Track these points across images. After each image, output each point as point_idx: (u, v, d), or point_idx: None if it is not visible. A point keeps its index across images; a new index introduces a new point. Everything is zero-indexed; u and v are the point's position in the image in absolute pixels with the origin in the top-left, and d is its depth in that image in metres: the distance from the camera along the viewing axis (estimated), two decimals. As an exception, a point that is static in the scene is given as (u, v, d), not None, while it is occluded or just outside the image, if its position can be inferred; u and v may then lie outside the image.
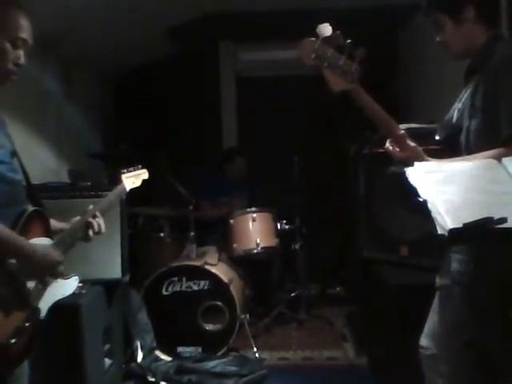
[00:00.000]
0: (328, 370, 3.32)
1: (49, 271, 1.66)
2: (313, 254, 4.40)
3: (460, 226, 1.37)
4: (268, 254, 4.01)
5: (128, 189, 2.23)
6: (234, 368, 3.14)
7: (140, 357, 3.18)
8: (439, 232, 1.40)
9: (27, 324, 1.61)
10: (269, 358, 3.49)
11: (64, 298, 1.78)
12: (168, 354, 3.41)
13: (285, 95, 5.08)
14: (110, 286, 2.85)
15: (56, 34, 3.34)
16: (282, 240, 4.01)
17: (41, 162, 3.47)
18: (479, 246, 1.63)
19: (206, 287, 3.50)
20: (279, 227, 4.06)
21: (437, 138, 1.89)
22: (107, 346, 2.81)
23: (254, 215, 3.94)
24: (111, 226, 2.66)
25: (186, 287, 3.50)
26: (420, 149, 1.73)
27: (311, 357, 3.52)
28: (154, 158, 3.91)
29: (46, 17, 2.61)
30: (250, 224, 3.92)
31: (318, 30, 1.56)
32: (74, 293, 1.85)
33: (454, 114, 1.82)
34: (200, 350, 3.42)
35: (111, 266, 2.85)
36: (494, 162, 1.54)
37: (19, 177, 1.72)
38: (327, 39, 1.57)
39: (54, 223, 1.84)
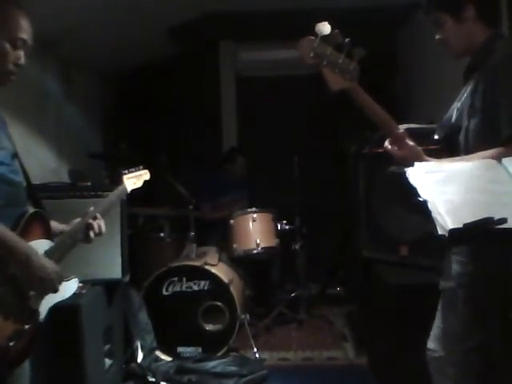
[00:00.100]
0: (328, 370, 3.32)
1: (43, 285, 1.64)
2: (313, 254, 4.40)
3: (460, 226, 1.37)
4: (268, 254, 4.01)
5: (129, 190, 2.22)
6: (234, 368, 3.14)
7: (140, 357, 3.18)
8: (439, 232, 1.40)
9: (27, 326, 1.61)
10: (269, 358, 3.49)
11: (64, 300, 1.77)
12: (168, 354, 3.41)
13: (285, 95, 5.08)
14: (110, 286, 2.85)
15: (56, 33, 3.34)
16: (282, 240, 4.01)
17: (41, 162, 3.47)
18: (479, 246, 1.63)
19: (206, 287, 3.49)
20: (279, 227, 4.06)
21: (436, 137, 1.89)
22: (107, 346, 2.81)
23: (254, 215, 3.94)
24: (111, 226, 2.66)
25: (186, 287, 3.50)
26: (419, 148, 1.72)
27: (311, 357, 3.51)
28: (154, 157, 3.90)
29: (45, 17, 2.61)
30: (250, 224, 3.92)
31: (316, 29, 1.55)
32: (74, 293, 1.85)
33: (453, 113, 1.82)
34: (200, 350, 3.42)
35: (111, 266, 2.85)
36: (494, 162, 1.54)
37: (20, 178, 1.72)
38: (326, 37, 1.56)
39: (55, 225, 1.84)
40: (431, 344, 1.81)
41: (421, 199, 1.46)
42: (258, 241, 3.83)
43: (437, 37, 1.82)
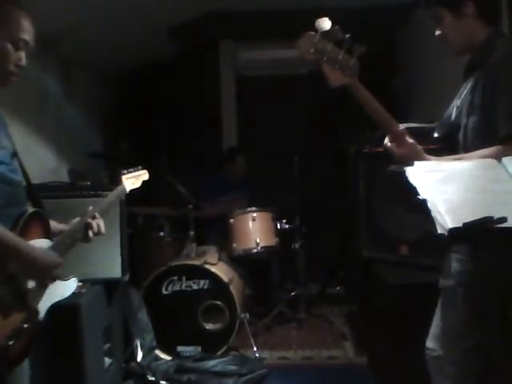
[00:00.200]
0: (328, 369, 3.32)
1: (47, 274, 1.66)
2: (312, 253, 4.41)
3: (460, 225, 1.37)
4: (268, 253, 4.02)
5: (128, 190, 2.23)
6: (233, 367, 3.15)
7: (140, 356, 3.18)
8: (439, 231, 1.41)
9: (26, 325, 1.60)
10: (269, 357, 3.49)
11: (63, 299, 1.77)
12: (168, 354, 3.41)
13: (285, 95, 5.08)
14: (109, 285, 2.85)
15: (56, 33, 3.34)
16: (281, 239, 4.02)
17: (41, 162, 3.47)
18: (479, 245, 1.63)
19: (205, 286, 3.50)
20: (279, 227, 4.06)
21: (435, 135, 1.88)
22: (107, 346, 2.81)
23: (254, 215, 3.94)
24: (111, 226, 2.66)
25: (186, 286, 3.50)
26: (419, 146, 1.72)
27: (311, 356, 3.52)
28: (154, 157, 3.91)
29: (46, 17, 2.61)
30: (250, 223, 3.92)
31: (317, 24, 1.55)
32: (73, 292, 1.85)
33: (453, 111, 1.82)
34: (200, 349, 3.42)
35: (111, 265, 2.85)
36: (494, 161, 1.55)
37: (19, 178, 1.72)
38: (326, 33, 1.56)
39: (55, 225, 1.84)
40: (430, 343, 1.81)
41: (420, 198, 1.46)
42: (258, 240, 3.84)
43: (436, 33, 1.81)
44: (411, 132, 1.75)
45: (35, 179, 1.94)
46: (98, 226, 1.88)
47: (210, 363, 3.18)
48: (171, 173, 3.98)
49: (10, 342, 1.55)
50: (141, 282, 3.49)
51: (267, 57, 5.29)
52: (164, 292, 3.49)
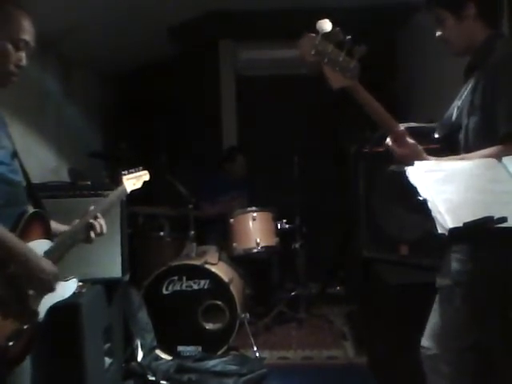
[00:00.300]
0: (328, 369, 3.32)
1: (41, 286, 1.64)
2: (313, 253, 4.41)
3: (460, 225, 1.37)
4: (268, 253, 4.02)
5: (129, 190, 2.23)
6: (234, 367, 3.15)
7: (140, 356, 3.19)
8: (439, 231, 1.41)
9: (26, 326, 1.61)
10: (269, 357, 3.49)
11: (63, 300, 1.77)
12: (168, 353, 3.41)
13: (285, 94, 5.08)
14: (110, 285, 2.85)
15: (56, 33, 3.34)
16: (282, 239, 4.02)
17: (41, 162, 3.47)
18: (479, 245, 1.63)
19: (206, 286, 3.50)
20: (279, 226, 4.06)
21: (436, 135, 1.88)
22: (107, 345, 2.82)
23: (254, 214, 3.94)
24: (111, 226, 2.64)
25: (186, 286, 3.50)
26: (420, 147, 1.72)
27: (311, 356, 3.52)
28: (154, 157, 3.91)
29: (46, 17, 2.61)
30: (250, 223, 3.92)
31: (317, 26, 1.55)
32: (73, 293, 1.85)
33: (454, 111, 1.82)
34: (200, 349, 3.42)
35: (111, 265, 2.85)
36: (494, 161, 1.55)
37: (19, 178, 1.72)
38: (327, 35, 1.56)
39: (57, 226, 1.84)
40: (425, 342, 1.82)
41: (421, 198, 1.46)
42: (258, 240, 3.84)
43: (437, 34, 1.82)
44: (411, 132, 1.75)
45: (35, 179, 1.94)
46: (101, 226, 1.89)
47: (211, 363, 3.18)
48: (171, 173, 3.98)
49: (10, 343, 1.55)
50: (141, 282, 3.49)
51: (267, 57, 5.29)
52: (164, 292, 3.49)
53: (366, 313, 3.37)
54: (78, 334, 2.43)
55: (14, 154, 1.72)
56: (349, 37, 1.57)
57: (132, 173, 2.26)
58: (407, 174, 1.53)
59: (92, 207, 1.92)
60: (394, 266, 2.86)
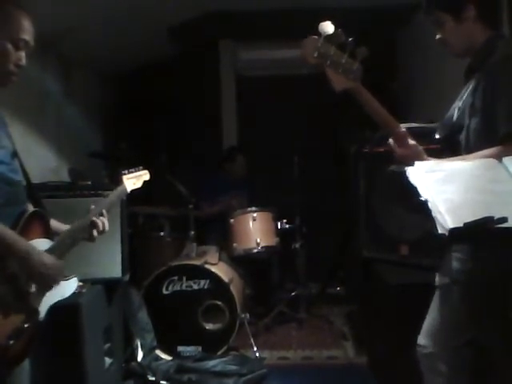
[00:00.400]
0: (328, 369, 3.32)
1: (45, 281, 1.65)
2: (313, 253, 4.41)
3: (460, 225, 1.37)
4: (268, 253, 4.02)
5: (129, 190, 2.22)
6: (234, 367, 3.15)
7: (140, 356, 3.18)
8: (439, 231, 1.41)
9: (26, 325, 1.61)
10: (269, 357, 3.49)
11: (63, 299, 1.77)
12: (168, 354, 3.41)
13: (285, 94, 5.08)
14: (110, 285, 2.85)
15: (56, 33, 3.34)
16: (282, 239, 4.01)
17: (41, 161, 3.47)
18: (479, 245, 1.63)
19: (206, 286, 3.50)
20: (279, 226, 4.06)
21: (437, 136, 1.89)
22: (107, 345, 2.81)
23: (255, 214, 3.94)
24: (111, 225, 2.62)
25: (186, 286, 3.50)
26: (420, 148, 1.73)
27: (311, 356, 3.52)
28: (154, 157, 3.91)
29: (46, 16, 2.61)
30: (251, 223, 3.92)
31: (320, 28, 1.55)
32: (74, 292, 1.85)
33: (455, 112, 1.82)
34: (200, 349, 3.42)
35: (111, 265, 2.85)
36: (494, 161, 1.55)
37: (19, 177, 1.72)
38: (330, 37, 1.56)
39: (57, 225, 1.84)
40: (422, 340, 1.82)
41: (421, 198, 1.46)
42: (258, 240, 3.83)
43: (437, 37, 1.82)
44: (412, 132, 1.76)
45: (35, 179, 1.94)
46: (103, 224, 1.89)
47: (211, 363, 3.18)
48: (171, 173, 3.98)
49: (11, 342, 1.55)
50: (141, 282, 3.49)
51: (267, 57, 5.29)
52: (164, 292, 3.49)
53: (366, 313, 3.37)
54: (78, 334, 2.42)
55: (14, 154, 1.72)
56: (351, 38, 1.57)
57: (132, 172, 2.26)
58: (407, 174, 1.53)
59: (93, 206, 1.92)
60: (394, 266, 2.86)
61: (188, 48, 5.04)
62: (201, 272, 3.51)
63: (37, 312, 1.66)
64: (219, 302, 3.48)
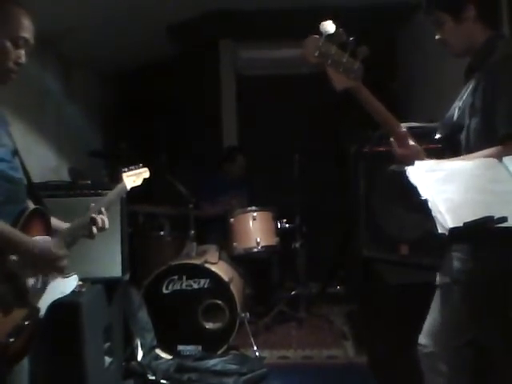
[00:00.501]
0: (328, 369, 3.32)
1: (51, 265, 1.66)
2: (313, 252, 4.41)
3: (460, 224, 1.37)
4: (268, 252, 4.02)
5: (129, 187, 2.22)
6: (234, 366, 3.15)
7: (140, 355, 3.19)
8: (439, 231, 1.41)
9: (26, 323, 1.61)
10: (269, 356, 3.49)
11: (63, 297, 1.77)
12: (168, 353, 3.41)
13: (285, 94, 5.08)
14: (110, 284, 2.86)
15: (56, 33, 3.34)
16: (282, 239, 4.02)
17: (41, 161, 3.47)
18: (480, 245, 1.63)
19: (206, 286, 3.50)
20: (279, 226, 4.06)
21: (437, 136, 1.89)
22: (107, 345, 2.82)
23: (255, 214, 3.94)
24: (111, 224, 2.62)
25: (187, 286, 3.50)
26: (420, 148, 1.73)
27: (311, 355, 3.52)
28: (154, 157, 3.91)
29: (46, 16, 2.61)
30: (251, 223, 3.92)
31: (321, 28, 1.55)
32: (74, 291, 1.85)
33: (455, 112, 1.82)
34: (200, 348, 3.42)
35: (111, 264, 2.85)
36: (495, 161, 1.54)
37: (20, 175, 1.72)
38: (331, 36, 1.56)
39: (58, 223, 1.85)
40: (423, 339, 1.82)
41: (421, 198, 1.46)
42: (258, 239, 3.84)
43: (437, 37, 1.82)
44: (412, 132, 1.76)
45: (35, 178, 1.94)
46: (103, 221, 1.89)
47: (211, 362, 3.18)
48: (171, 173, 3.98)
49: (11, 340, 1.55)
50: (141, 281, 3.49)
51: (268, 56, 5.29)
52: (164, 291, 3.49)
53: (366, 312, 3.37)
54: (78, 333, 2.43)
55: (15, 152, 1.72)
56: (352, 38, 1.57)
57: (132, 170, 2.26)
58: (407, 173, 1.53)
59: (93, 204, 1.92)
60: (394, 266, 2.86)
61: (188, 48, 5.04)
62: (201, 271, 3.51)
63: (37, 309, 1.66)
64: (219, 302, 3.48)
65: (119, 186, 2.17)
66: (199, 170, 4.81)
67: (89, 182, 3.02)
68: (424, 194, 1.46)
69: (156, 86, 5.03)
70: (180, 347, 3.43)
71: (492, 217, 1.36)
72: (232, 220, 3.91)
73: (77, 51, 3.88)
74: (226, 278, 3.50)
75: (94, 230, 1.86)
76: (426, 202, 1.45)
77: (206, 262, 3.57)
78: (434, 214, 1.43)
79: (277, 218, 4.05)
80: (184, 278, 3.50)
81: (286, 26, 4.30)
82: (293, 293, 4.24)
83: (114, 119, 5.07)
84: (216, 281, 3.49)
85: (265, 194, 4.46)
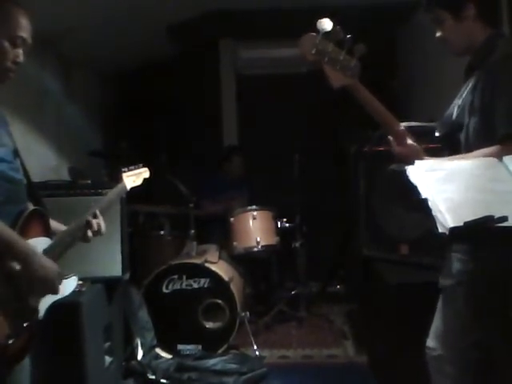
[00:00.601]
0: (328, 368, 3.32)
1: (43, 286, 1.63)
2: (313, 252, 4.41)
3: (461, 224, 1.37)
4: (268, 252, 4.03)
5: (128, 187, 2.22)
6: (234, 366, 3.15)
7: (140, 354, 3.19)
8: (440, 230, 1.41)
9: (25, 324, 1.60)
10: (269, 355, 3.49)
11: (63, 298, 1.77)
12: (168, 352, 3.41)
13: (285, 94, 5.08)
14: (110, 283, 2.86)
15: (56, 33, 3.34)
16: (282, 238, 4.02)
17: (41, 160, 3.47)
18: (480, 244, 1.63)
19: (206, 285, 3.50)
20: (279, 225, 4.06)
21: (436, 134, 1.88)
22: (107, 344, 2.82)
23: (255, 213, 3.95)
24: (111, 224, 2.66)
25: (187, 285, 3.50)
26: (419, 147, 1.73)
27: (311, 355, 3.52)
28: (154, 157, 3.91)
29: (45, 15, 2.61)
30: (251, 222, 3.93)
31: (318, 25, 1.55)
32: (74, 291, 1.85)
33: (454, 110, 1.82)
34: (200, 347, 3.42)
35: (111, 263, 2.85)
36: (495, 160, 1.54)
37: (20, 176, 1.72)
38: (327, 34, 1.56)
39: (56, 225, 1.84)
40: (430, 342, 1.81)
41: (421, 197, 1.46)
42: (259, 239, 3.84)
43: (437, 35, 1.82)
44: (412, 131, 1.75)
45: (35, 177, 1.94)
46: (98, 225, 1.87)
47: (211, 362, 3.18)
48: (171, 173, 3.98)
49: (10, 341, 1.55)
50: (141, 281, 3.49)
51: (267, 56, 5.28)
52: (164, 290, 3.49)
53: (366, 312, 3.37)
54: (78, 333, 2.43)
55: (15, 153, 1.72)
56: (349, 35, 1.57)
57: (132, 170, 2.26)
58: (407, 173, 1.53)
59: (92, 205, 1.92)
60: (394, 266, 2.86)
61: (188, 48, 5.04)
62: (201, 271, 3.51)
63: (36, 311, 1.66)
64: (219, 301, 3.49)
65: (119, 186, 2.17)
66: (199, 170, 4.81)
67: (89, 181, 3.02)
68: (424, 193, 1.46)
69: (156, 86, 5.03)
70: (180, 346, 3.43)
71: (492, 216, 1.36)
72: (232, 219, 3.91)
73: (77, 51, 3.88)
74: (226, 277, 3.50)
75: (89, 233, 1.84)
76: (426, 201, 1.45)
77: (206, 261, 3.57)
78: (434, 213, 1.43)
79: (277, 218, 4.05)
80: (184, 277, 3.50)
81: (286, 26, 4.29)
82: (293, 292, 4.25)
83: (114, 119, 5.07)
84: (216, 280, 3.49)
85: (265, 193, 4.45)
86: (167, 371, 3.09)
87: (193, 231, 3.83)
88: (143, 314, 3.33)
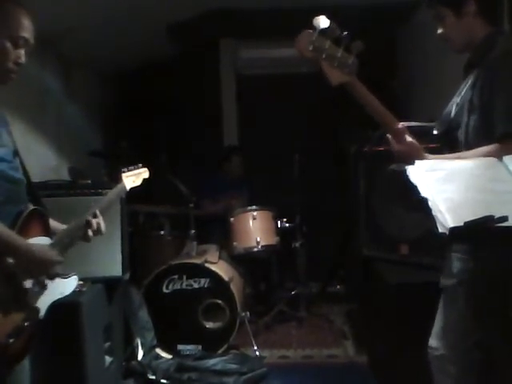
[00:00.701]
0: (328, 368, 3.32)
1: (45, 271, 1.65)
2: (313, 252, 4.41)
3: (461, 224, 1.37)
4: (268, 252, 4.03)
5: (128, 188, 2.22)
6: (234, 366, 3.15)
7: (140, 355, 3.19)
8: (440, 230, 1.41)
9: (26, 323, 1.61)
10: (269, 355, 3.49)
11: (64, 297, 1.77)
12: (168, 352, 3.41)
13: (285, 94, 5.08)
14: (110, 283, 2.86)
15: (56, 33, 3.34)
16: (282, 238, 4.02)
17: (41, 160, 3.47)
18: (480, 244, 1.63)
19: (206, 285, 3.50)
20: (279, 225, 4.06)
21: (434, 132, 1.88)
22: (108, 344, 2.82)
23: (255, 213, 3.95)
24: (111, 224, 2.67)
25: (187, 285, 3.50)
26: (419, 145, 1.72)
27: (311, 355, 3.52)
28: (154, 157, 3.91)
29: (46, 15, 2.61)
30: (251, 222, 3.93)
31: (314, 22, 1.54)
32: (74, 291, 1.85)
33: (453, 108, 1.82)
34: (200, 347, 3.42)
35: (112, 263, 2.85)
36: (495, 160, 1.54)
37: (20, 175, 1.72)
38: (324, 31, 1.55)
39: (56, 224, 1.84)
40: (433, 342, 1.81)
41: (421, 197, 1.46)
42: (259, 239, 3.84)
43: (438, 31, 1.82)
44: (412, 131, 1.75)
45: (35, 177, 1.94)
46: (98, 224, 1.87)
47: (211, 362, 3.18)
48: (171, 173, 3.98)
49: (11, 340, 1.55)
50: (141, 281, 3.49)
51: (268, 55, 5.28)
52: (164, 291, 3.49)
53: (366, 312, 3.37)
54: (78, 333, 2.43)
55: (16, 153, 1.72)
56: (346, 33, 1.56)
57: (131, 170, 2.26)
58: (408, 173, 1.52)
59: (93, 204, 1.92)
60: (394, 266, 2.86)
61: (188, 47, 5.04)
62: (201, 271, 3.51)
63: (36, 310, 1.66)
64: (219, 301, 3.49)
65: (119, 187, 2.17)
66: (199, 170, 4.81)
67: (89, 181, 3.03)
68: (424, 193, 1.46)
69: (156, 85, 5.03)
70: (180, 347, 3.43)
71: (492, 216, 1.37)
72: (232, 219, 3.91)
73: (77, 51, 3.88)
74: (226, 277, 3.50)
75: (90, 233, 1.85)
76: (426, 201, 1.45)
77: (206, 261, 3.57)
78: (434, 213, 1.43)
79: (277, 218, 4.05)
80: (184, 277, 3.50)
81: (286, 26, 4.27)
82: (293, 292, 4.24)
83: (114, 119, 5.07)
84: (216, 280, 3.49)
85: (265, 193, 4.45)
86: (167, 371, 3.09)
87: (193, 231, 3.83)
88: (143, 314, 3.33)
